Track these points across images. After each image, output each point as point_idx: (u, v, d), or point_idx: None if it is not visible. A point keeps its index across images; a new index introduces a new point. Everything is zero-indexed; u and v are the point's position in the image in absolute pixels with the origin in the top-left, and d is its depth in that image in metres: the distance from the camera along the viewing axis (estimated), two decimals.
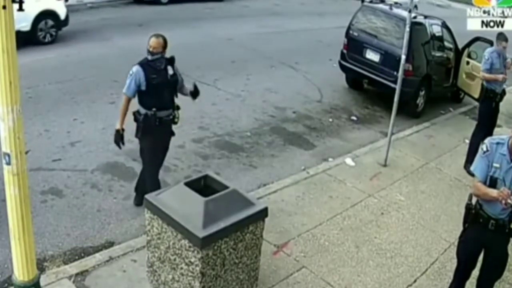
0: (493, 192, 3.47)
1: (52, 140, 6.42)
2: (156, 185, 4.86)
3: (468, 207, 3.79)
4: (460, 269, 4.01)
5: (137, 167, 6.04)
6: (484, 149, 3.62)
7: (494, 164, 3.57)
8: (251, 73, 10.09)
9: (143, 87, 4.69)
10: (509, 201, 3.36)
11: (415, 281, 4.68)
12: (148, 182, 4.94)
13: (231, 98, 8.73)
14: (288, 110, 8.61)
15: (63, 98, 7.73)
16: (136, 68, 4.69)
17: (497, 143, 3.60)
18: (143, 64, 4.73)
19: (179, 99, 5.04)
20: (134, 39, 11.44)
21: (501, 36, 6.90)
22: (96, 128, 6.91)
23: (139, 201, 5.06)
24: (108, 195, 5.43)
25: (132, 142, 6.60)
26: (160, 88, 4.79)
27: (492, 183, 3.57)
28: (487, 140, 3.68)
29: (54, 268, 4.24)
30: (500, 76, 6.88)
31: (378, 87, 9.46)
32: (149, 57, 4.73)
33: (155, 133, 4.84)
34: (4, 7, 2.32)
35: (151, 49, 4.72)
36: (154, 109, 4.76)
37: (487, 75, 6.92)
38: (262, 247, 4.15)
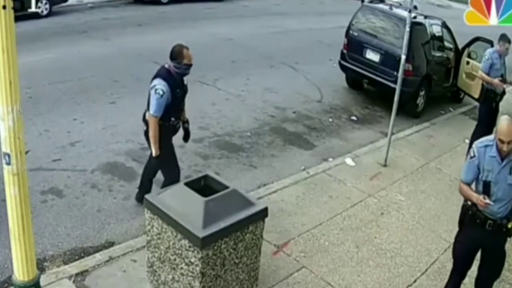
0: (473, 197, 3.59)
1: (52, 140, 6.42)
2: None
3: (465, 208, 3.79)
4: (457, 269, 4.01)
5: (137, 167, 6.05)
6: (472, 154, 3.65)
7: (486, 167, 3.58)
8: (251, 73, 10.09)
9: (168, 103, 4.57)
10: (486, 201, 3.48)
11: (415, 281, 4.68)
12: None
13: (231, 98, 8.73)
14: (288, 110, 8.61)
15: (63, 98, 7.73)
16: (165, 87, 4.48)
17: (485, 146, 3.61)
18: (167, 78, 4.54)
19: None
20: (134, 39, 11.48)
21: (504, 38, 6.89)
22: (96, 128, 6.91)
23: (140, 198, 5.03)
24: (108, 195, 5.43)
25: (132, 142, 6.64)
26: (179, 101, 4.75)
27: (486, 187, 3.59)
28: (474, 145, 3.69)
29: (54, 268, 4.24)
30: (495, 81, 6.85)
31: (378, 87, 9.46)
32: (187, 71, 4.61)
33: (170, 141, 4.84)
34: (4, 7, 2.31)
35: (190, 62, 4.56)
36: (172, 119, 4.72)
37: (485, 76, 6.91)
38: (262, 247, 4.15)
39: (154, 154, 4.67)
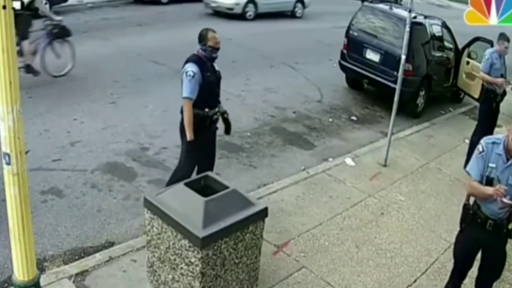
0: (489, 190, 3.46)
1: (52, 140, 6.42)
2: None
3: (466, 208, 3.79)
4: (457, 269, 4.01)
5: (137, 167, 6.06)
6: (480, 149, 3.62)
7: (490, 164, 3.56)
8: (251, 73, 10.10)
9: (200, 87, 4.52)
10: (505, 200, 3.37)
11: (415, 281, 4.68)
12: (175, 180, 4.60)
13: (231, 98, 8.72)
14: (288, 110, 8.62)
15: (63, 98, 7.73)
16: (195, 68, 4.49)
17: (493, 143, 3.59)
18: (197, 61, 4.55)
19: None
20: (134, 39, 11.48)
21: (503, 36, 6.89)
22: (96, 128, 6.91)
23: None
24: (108, 195, 5.43)
25: (132, 142, 6.64)
26: (212, 86, 4.68)
27: (488, 183, 3.56)
28: (483, 140, 3.67)
29: (54, 268, 4.24)
30: (499, 80, 6.85)
31: (378, 87, 9.46)
32: (214, 55, 4.61)
33: (205, 133, 4.71)
34: (4, 7, 2.31)
35: (217, 46, 4.59)
36: (206, 109, 4.61)
37: (487, 77, 6.90)
38: (262, 247, 4.15)
39: (188, 138, 4.56)
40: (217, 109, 4.79)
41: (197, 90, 4.51)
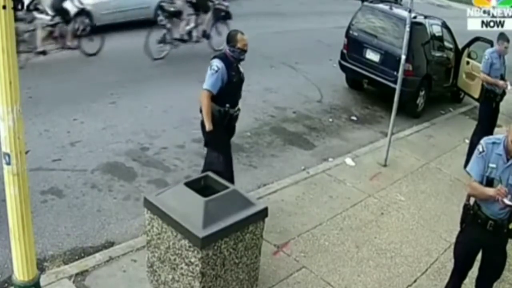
0: (490, 191, 3.47)
1: (52, 140, 6.41)
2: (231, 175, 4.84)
3: (466, 208, 3.79)
4: (457, 269, 4.01)
5: (137, 167, 6.06)
6: (480, 149, 3.62)
7: (490, 165, 3.56)
8: (251, 73, 10.05)
9: (223, 84, 4.62)
10: (506, 201, 3.37)
11: (415, 281, 4.68)
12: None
13: None
14: (288, 110, 8.61)
15: (63, 98, 7.72)
16: (221, 64, 4.59)
17: (493, 143, 3.59)
18: (223, 59, 4.66)
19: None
20: (134, 39, 11.44)
21: (503, 37, 6.89)
22: (96, 128, 6.91)
23: None
24: (108, 195, 5.43)
25: (132, 142, 6.63)
26: (236, 86, 4.81)
27: (489, 183, 3.56)
28: (483, 141, 3.67)
29: (54, 268, 4.24)
30: (500, 83, 6.85)
31: (378, 87, 9.46)
32: (241, 56, 4.75)
33: (224, 129, 4.82)
34: (4, 7, 2.31)
35: (245, 48, 4.71)
36: (227, 105, 4.72)
37: (488, 78, 6.90)
38: (262, 247, 4.15)
39: (207, 128, 4.63)
40: (236, 109, 4.91)
41: (218, 86, 4.60)
